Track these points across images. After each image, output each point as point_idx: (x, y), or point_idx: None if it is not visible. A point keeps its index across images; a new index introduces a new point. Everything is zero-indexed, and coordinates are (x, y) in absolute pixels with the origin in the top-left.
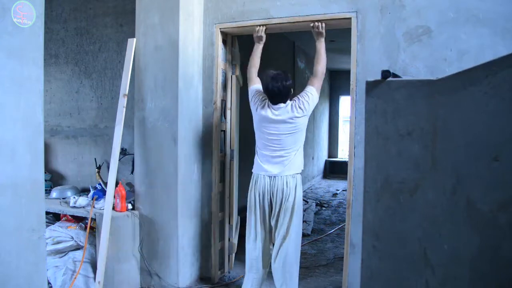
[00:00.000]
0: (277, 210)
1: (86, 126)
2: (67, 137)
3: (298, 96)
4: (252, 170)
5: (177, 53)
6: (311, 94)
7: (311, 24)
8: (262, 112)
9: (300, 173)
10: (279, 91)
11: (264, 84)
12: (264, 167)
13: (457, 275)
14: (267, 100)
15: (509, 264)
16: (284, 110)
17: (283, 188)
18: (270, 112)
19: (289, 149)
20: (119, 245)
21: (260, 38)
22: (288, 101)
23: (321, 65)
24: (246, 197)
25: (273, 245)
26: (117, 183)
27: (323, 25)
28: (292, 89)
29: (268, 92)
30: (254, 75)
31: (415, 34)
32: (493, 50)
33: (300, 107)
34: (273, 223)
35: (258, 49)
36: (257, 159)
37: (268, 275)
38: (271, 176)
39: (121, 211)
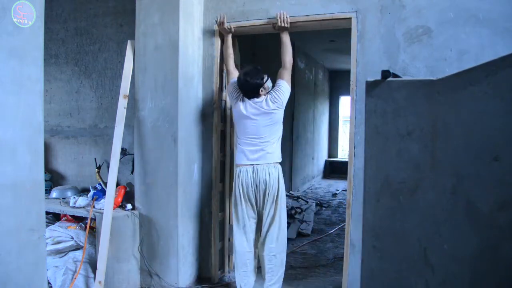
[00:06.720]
0: (261, 199)
1: (86, 126)
2: (67, 137)
3: (272, 90)
4: (235, 164)
5: (177, 53)
6: (284, 87)
7: (275, 23)
8: (240, 107)
9: (279, 163)
10: (249, 87)
11: (237, 80)
12: (245, 159)
13: (457, 275)
14: (241, 95)
15: (509, 264)
16: (260, 104)
17: (265, 179)
18: (248, 106)
19: (267, 141)
20: (119, 245)
21: (226, 30)
22: (263, 96)
23: (289, 56)
24: None
25: (261, 233)
26: (117, 185)
27: (287, 17)
28: (265, 85)
29: (240, 87)
30: (231, 67)
31: (415, 34)
32: (493, 50)
33: (275, 101)
34: (259, 212)
35: (228, 40)
36: (238, 153)
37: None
38: (253, 168)
39: None
